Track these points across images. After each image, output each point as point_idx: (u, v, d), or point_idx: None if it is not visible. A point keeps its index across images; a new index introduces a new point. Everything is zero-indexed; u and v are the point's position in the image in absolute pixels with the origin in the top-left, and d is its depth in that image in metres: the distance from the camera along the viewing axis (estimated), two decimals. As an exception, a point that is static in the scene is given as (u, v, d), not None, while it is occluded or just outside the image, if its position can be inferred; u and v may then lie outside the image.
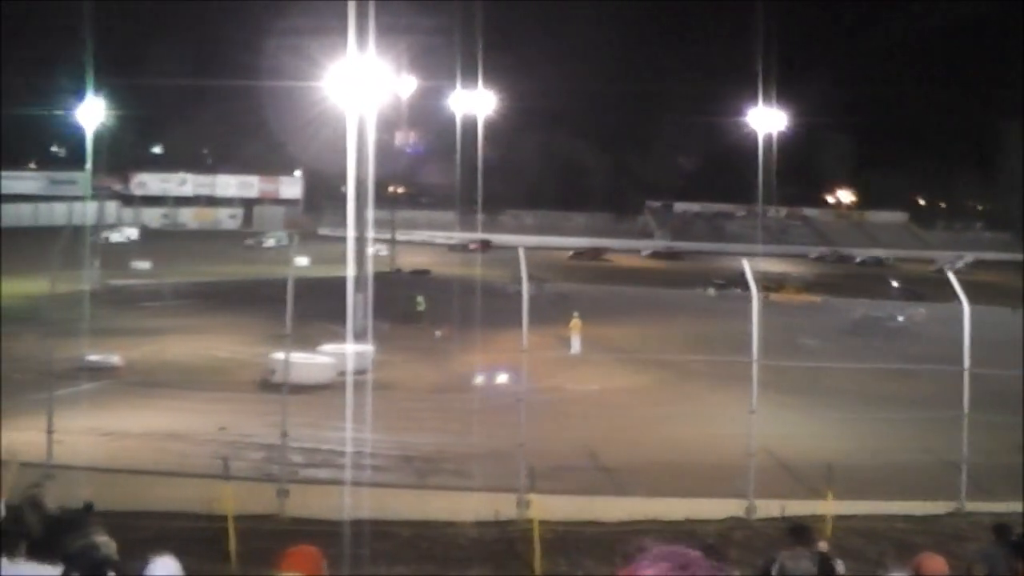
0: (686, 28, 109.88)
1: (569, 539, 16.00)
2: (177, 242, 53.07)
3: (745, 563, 13.70)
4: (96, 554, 7.64)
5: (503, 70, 79.72)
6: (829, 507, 16.27)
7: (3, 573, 6.89)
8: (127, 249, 59.63)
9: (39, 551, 7.68)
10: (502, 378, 30.03)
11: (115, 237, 72.64)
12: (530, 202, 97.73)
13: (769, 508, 17.40)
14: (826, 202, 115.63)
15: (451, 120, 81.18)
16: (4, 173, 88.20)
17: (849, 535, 15.73)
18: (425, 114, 78.36)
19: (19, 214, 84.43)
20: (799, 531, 9.68)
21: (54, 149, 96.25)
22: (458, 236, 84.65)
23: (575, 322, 36.02)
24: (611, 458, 21.30)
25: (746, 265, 20.73)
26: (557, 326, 35.08)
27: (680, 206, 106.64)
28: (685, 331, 39.69)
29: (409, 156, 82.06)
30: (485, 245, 75.88)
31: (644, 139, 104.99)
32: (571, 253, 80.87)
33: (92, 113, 74.25)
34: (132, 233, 73.06)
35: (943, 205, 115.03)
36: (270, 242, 77.81)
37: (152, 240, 64.31)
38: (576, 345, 35.41)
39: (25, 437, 17.67)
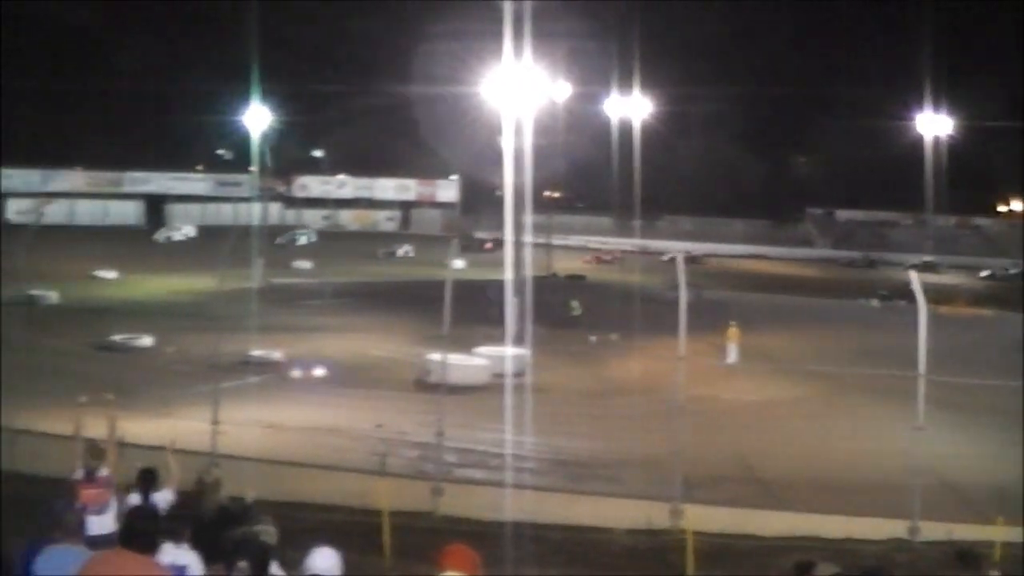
0: (850, 28, 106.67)
1: (724, 551, 15.65)
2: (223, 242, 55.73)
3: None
4: (259, 542, 7.82)
5: (661, 74, 79.21)
6: (998, 533, 15.43)
7: (165, 558, 7.09)
8: (183, 247, 65.01)
9: (204, 538, 7.92)
10: (319, 371, 29.86)
11: (176, 236, 77.47)
12: (688, 208, 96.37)
13: (934, 531, 16.58)
14: (998, 211, 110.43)
15: (607, 125, 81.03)
16: (175, 175, 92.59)
17: (1020, 564, 14.90)
18: (581, 119, 78.30)
19: (188, 214, 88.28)
20: (968, 556, 9.20)
21: (220, 152, 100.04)
22: (613, 241, 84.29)
23: (732, 331, 35.33)
24: (767, 470, 20.84)
25: (913, 276, 19.96)
26: (714, 334, 34.51)
27: (843, 214, 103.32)
28: (845, 343, 38.50)
29: (565, 161, 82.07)
30: (497, 243, 75.47)
31: (807, 144, 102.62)
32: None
33: (257, 118, 77.38)
34: (190, 231, 78.23)
35: None
36: (302, 240, 79.72)
37: (204, 238, 68.03)
38: (733, 354, 34.72)
39: (192, 427, 18.34)
